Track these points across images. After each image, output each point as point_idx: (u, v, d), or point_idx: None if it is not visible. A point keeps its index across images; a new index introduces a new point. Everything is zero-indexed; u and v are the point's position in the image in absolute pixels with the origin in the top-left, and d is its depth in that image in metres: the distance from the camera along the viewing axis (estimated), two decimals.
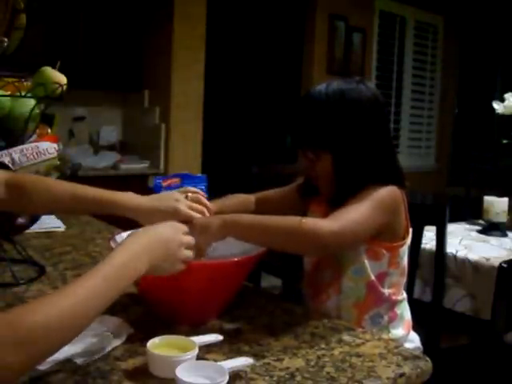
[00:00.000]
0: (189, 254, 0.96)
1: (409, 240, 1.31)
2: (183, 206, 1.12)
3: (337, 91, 1.23)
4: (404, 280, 1.33)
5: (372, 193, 1.18)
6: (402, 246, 1.28)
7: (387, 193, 1.20)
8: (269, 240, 1.12)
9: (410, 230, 1.32)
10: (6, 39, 0.93)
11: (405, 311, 1.34)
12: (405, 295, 1.35)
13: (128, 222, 1.14)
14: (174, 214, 1.09)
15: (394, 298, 1.29)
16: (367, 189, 1.19)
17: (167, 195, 1.16)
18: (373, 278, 1.25)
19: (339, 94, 1.23)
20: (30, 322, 0.66)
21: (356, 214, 1.13)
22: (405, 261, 1.31)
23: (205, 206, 1.17)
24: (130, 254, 0.83)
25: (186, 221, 1.08)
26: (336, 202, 1.20)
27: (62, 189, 1.13)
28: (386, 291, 1.27)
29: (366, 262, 1.25)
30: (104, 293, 0.75)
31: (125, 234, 1.20)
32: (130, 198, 1.12)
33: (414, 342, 1.36)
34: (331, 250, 1.18)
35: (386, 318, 1.29)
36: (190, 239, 0.98)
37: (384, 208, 1.19)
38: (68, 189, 1.13)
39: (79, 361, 0.90)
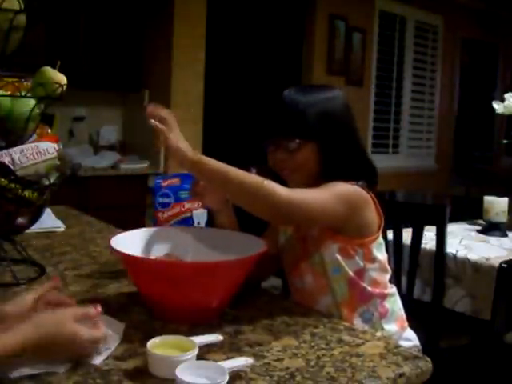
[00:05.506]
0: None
1: (380, 236, 1.32)
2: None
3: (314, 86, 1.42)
4: (387, 275, 1.34)
5: (335, 185, 1.22)
6: (372, 241, 1.28)
7: (348, 189, 1.24)
8: (228, 190, 1.17)
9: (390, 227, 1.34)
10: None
11: (396, 306, 1.34)
12: (394, 290, 1.35)
13: (128, 222, 1.14)
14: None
15: (378, 292, 1.30)
16: (334, 181, 1.24)
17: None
18: (351, 274, 1.27)
19: (319, 86, 1.41)
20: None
21: (314, 196, 1.19)
22: (382, 256, 1.31)
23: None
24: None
25: None
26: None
27: None
28: (369, 287, 1.28)
29: (341, 260, 1.26)
30: None
31: (125, 234, 1.21)
32: None
33: (411, 340, 1.36)
34: (281, 218, 1.19)
35: (376, 314, 1.29)
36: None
37: (344, 202, 1.21)
38: None
39: (82, 360, 0.90)
